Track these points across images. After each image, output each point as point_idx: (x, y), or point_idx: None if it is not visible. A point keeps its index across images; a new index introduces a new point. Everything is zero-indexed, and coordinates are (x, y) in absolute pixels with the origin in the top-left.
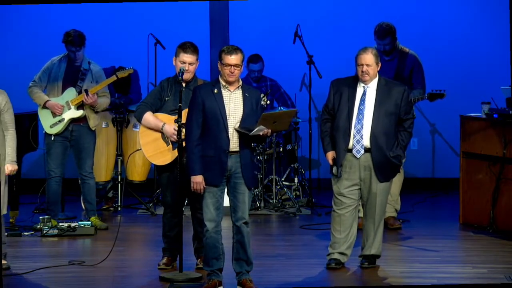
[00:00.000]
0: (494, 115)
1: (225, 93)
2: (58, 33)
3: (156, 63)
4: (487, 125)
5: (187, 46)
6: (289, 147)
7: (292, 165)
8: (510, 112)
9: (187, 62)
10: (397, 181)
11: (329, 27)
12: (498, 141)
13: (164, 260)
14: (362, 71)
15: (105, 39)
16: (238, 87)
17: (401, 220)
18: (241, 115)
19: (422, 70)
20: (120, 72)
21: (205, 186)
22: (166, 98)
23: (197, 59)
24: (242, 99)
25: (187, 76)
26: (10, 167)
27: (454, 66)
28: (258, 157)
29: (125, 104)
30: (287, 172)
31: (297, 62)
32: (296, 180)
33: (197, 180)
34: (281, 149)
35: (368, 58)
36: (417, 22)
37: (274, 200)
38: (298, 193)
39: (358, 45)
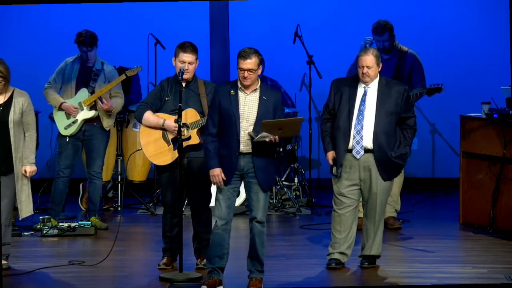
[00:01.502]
0: (494, 115)
1: (241, 95)
2: (58, 33)
3: (156, 63)
4: (487, 125)
5: (186, 46)
6: (289, 147)
7: (292, 165)
8: (510, 112)
9: (186, 61)
10: (397, 181)
11: (329, 27)
12: (498, 141)
13: (164, 260)
14: (363, 73)
15: (105, 39)
16: (256, 89)
17: (401, 220)
18: (255, 118)
19: (421, 68)
20: (129, 70)
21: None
22: (166, 98)
23: (196, 59)
24: (258, 102)
25: (187, 76)
26: (28, 168)
27: (454, 66)
28: None
29: (125, 104)
30: (287, 172)
31: (297, 62)
32: (296, 180)
33: (215, 173)
34: (281, 149)
35: (369, 60)
36: (417, 22)
37: (274, 200)
38: (298, 193)
39: (358, 45)
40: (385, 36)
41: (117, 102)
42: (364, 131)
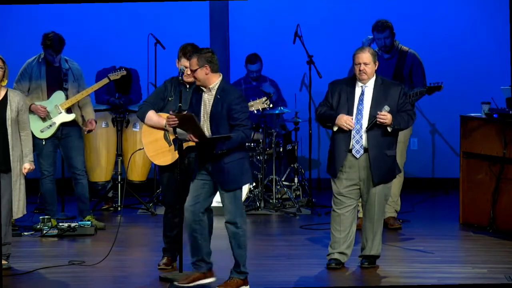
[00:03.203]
0: (494, 115)
1: (203, 94)
2: (58, 33)
3: (156, 63)
4: (487, 125)
5: (187, 51)
6: (289, 147)
7: (292, 165)
8: (510, 112)
9: (188, 67)
10: (397, 181)
11: (329, 27)
12: (498, 141)
13: (164, 260)
14: (360, 70)
15: (105, 39)
16: (210, 88)
17: (401, 220)
18: (208, 117)
19: (422, 67)
20: (112, 74)
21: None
22: (170, 99)
23: None
24: (212, 101)
25: (189, 79)
26: (28, 165)
27: (454, 66)
28: (258, 157)
29: (125, 104)
30: (287, 172)
31: (297, 62)
32: (296, 180)
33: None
34: (281, 149)
35: (366, 57)
36: (417, 22)
37: (274, 200)
38: (298, 193)
39: (358, 45)
40: (386, 33)
41: (90, 111)
42: (363, 130)
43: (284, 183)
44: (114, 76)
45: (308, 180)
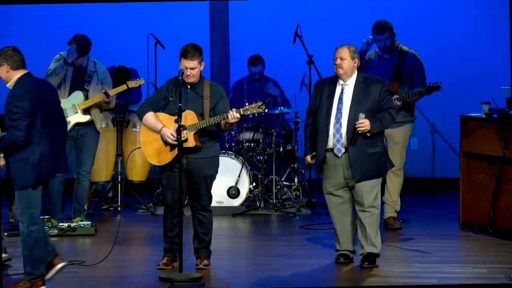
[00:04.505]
0: (494, 115)
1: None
2: (58, 33)
3: (156, 63)
4: (487, 125)
5: (187, 52)
6: (289, 147)
7: (292, 165)
8: (510, 112)
9: (188, 67)
10: (397, 181)
11: (329, 27)
12: (498, 141)
13: (164, 261)
14: (336, 65)
15: (105, 39)
16: (8, 86)
17: (401, 220)
18: None
19: (422, 67)
20: (130, 81)
21: None
22: (170, 99)
23: (199, 62)
24: None
25: (190, 80)
26: None
27: (454, 66)
28: (258, 157)
29: (125, 104)
30: (287, 172)
31: (297, 62)
32: (296, 180)
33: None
34: (281, 149)
35: (343, 52)
36: (417, 22)
37: (274, 200)
38: (298, 193)
39: (358, 45)
40: (386, 35)
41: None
42: (343, 129)
43: (284, 183)
44: (133, 84)
45: (308, 180)
